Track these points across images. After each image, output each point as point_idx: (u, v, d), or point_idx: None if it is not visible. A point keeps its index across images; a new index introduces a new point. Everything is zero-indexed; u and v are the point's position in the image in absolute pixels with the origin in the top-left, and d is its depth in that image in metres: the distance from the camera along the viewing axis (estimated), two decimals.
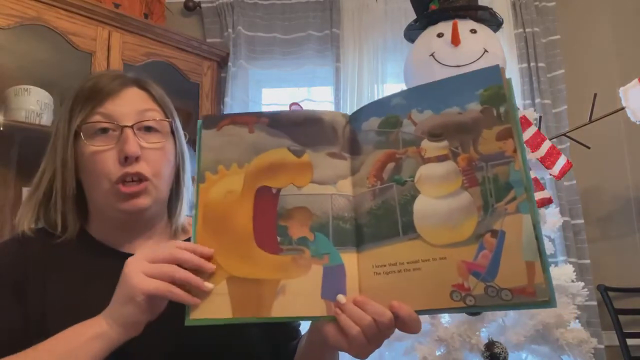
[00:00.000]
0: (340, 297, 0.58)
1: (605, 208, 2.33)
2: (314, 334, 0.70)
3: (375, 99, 2.34)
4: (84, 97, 0.75)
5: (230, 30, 2.44)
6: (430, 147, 0.60)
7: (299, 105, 1.76)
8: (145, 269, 0.59)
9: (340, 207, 0.62)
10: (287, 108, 1.74)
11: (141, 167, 0.73)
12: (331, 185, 0.63)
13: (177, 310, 0.60)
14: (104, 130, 0.73)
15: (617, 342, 1.98)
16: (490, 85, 0.58)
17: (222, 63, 2.40)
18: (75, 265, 0.74)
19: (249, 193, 0.63)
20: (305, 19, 2.48)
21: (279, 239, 0.61)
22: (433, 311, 0.57)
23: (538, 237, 0.52)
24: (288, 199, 0.62)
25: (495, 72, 0.58)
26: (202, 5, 2.53)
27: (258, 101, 2.56)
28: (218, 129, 0.65)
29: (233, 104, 2.33)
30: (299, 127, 0.65)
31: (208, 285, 0.59)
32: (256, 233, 0.61)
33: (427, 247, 0.57)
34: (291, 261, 0.60)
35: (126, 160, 0.72)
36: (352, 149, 0.64)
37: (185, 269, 0.60)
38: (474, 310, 0.89)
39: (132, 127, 0.73)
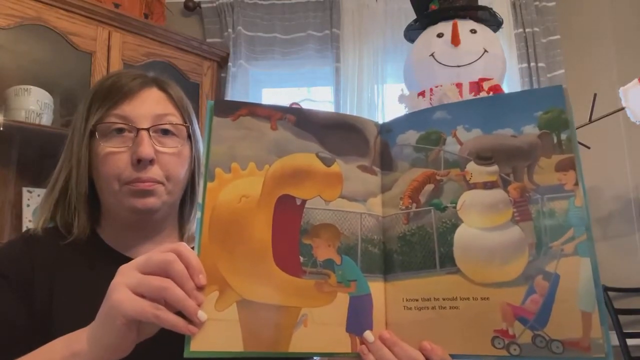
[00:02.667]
0: (368, 335, 0.53)
1: (605, 208, 2.32)
2: None
3: (375, 99, 2.39)
4: (102, 95, 0.73)
5: (230, 30, 2.44)
6: (477, 171, 0.53)
7: (298, 105, 1.76)
8: (132, 283, 0.50)
9: (369, 229, 0.56)
10: None
11: (154, 172, 0.71)
12: (361, 203, 0.56)
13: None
14: (120, 131, 0.72)
15: (617, 342, 1.98)
16: (551, 107, 0.52)
17: (222, 63, 2.40)
18: (82, 268, 0.73)
19: (269, 201, 0.54)
20: (305, 19, 2.48)
21: (301, 259, 0.53)
22: (470, 356, 0.52)
23: (597, 285, 0.47)
24: (314, 213, 0.54)
25: (557, 93, 0.52)
26: (202, 5, 2.53)
27: (258, 101, 2.56)
28: (233, 118, 0.56)
29: None
30: (329, 131, 0.57)
31: (202, 315, 0.49)
32: (275, 250, 0.53)
33: (468, 284, 0.51)
34: (314, 287, 0.53)
35: (139, 162, 0.70)
36: (383, 163, 0.58)
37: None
38: None
39: (147, 129, 0.71)
